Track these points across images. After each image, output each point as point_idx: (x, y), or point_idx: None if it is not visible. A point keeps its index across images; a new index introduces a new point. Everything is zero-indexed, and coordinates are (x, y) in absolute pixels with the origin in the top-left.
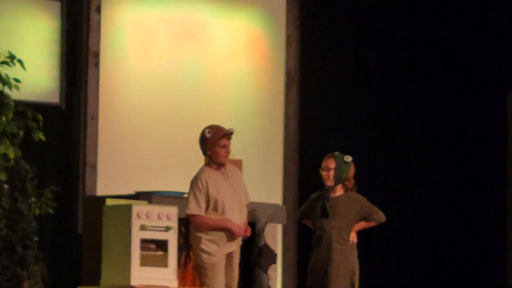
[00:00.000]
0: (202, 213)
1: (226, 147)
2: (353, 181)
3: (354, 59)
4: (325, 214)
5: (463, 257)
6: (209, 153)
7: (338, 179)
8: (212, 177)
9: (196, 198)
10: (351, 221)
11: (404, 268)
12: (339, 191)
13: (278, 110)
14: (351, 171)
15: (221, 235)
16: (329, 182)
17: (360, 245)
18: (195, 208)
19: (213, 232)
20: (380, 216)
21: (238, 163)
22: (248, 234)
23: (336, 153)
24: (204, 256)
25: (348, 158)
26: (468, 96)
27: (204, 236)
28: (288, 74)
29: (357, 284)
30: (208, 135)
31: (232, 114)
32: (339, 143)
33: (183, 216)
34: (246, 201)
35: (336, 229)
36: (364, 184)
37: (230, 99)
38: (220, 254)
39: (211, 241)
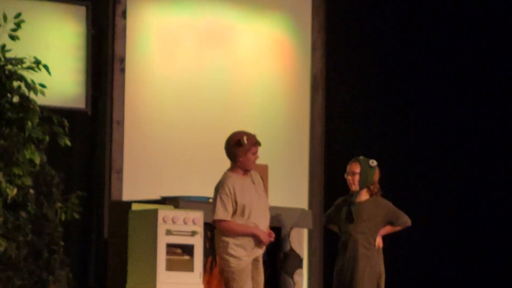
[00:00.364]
0: (229, 218)
1: (256, 154)
2: (378, 186)
3: (380, 62)
4: (351, 219)
5: (489, 261)
6: (241, 159)
7: (363, 184)
8: (238, 182)
9: (223, 203)
10: (377, 226)
11: (429, 272)
12: (364, 195)
13: (304, 114)
14: (376, 175)
15: (249, 239)
16: (354, 187)
17: (386, 249)
18: (223, 213)
19: (240, 237)
20: (406, 220)
21: (264, 168)
22: (272, 239)
23: (361, 157)
24: (232, 260)
25: (373, 163)
26: (496, 97)
27: (231, 240)
28: (313, 78)
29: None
30: (245, 142)
31: (258, 119)
32: (365, 147)
33: (209, 221)
34: (268, 205)
35: (362, 234)
36: (390, 188)
37: (255, 104)
38: (248, 258)
39: (238, 245)
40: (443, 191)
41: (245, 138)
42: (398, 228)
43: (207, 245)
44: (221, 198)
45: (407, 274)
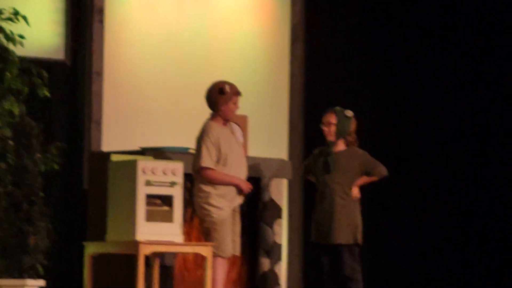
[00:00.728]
0: (214, 166)
1: (237, 104)
2: (355, 136)
3: (360, 13)
4: (327, 169)
5: (470, 219)
6: (222, 108)
7: (340, 134)
8: (222, 132)
9: (208, 151)
10: (353, 176)
11: (407, 223)
12: (341, 146)
13: (284, 66)
14: (353, 126)
15: (230, 189)
16: (331, 137)
17: (363, 199)
18: (209, 161)
19: (221, 186)
20: (382, 170)
21: (243, 119)
22: (250, 190)
23: (337, 108)
24: (213, 210)
25: (349, 113)
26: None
27: (213, 190)
28: (293, 30)
29: (360, 238)
30: (227, 90)
31: (238, 71)
32: (345, 98)
33: (189, 172)
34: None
35: (338, 184)
36: (369, 139)
37: (235, 56)
38: (229, 209)
39: (220, 195)
40: (422, 142)
41: (227, 86)
42: (374, 178)
43: (187, 196)
44: (206, 146)
45: (384, 225)
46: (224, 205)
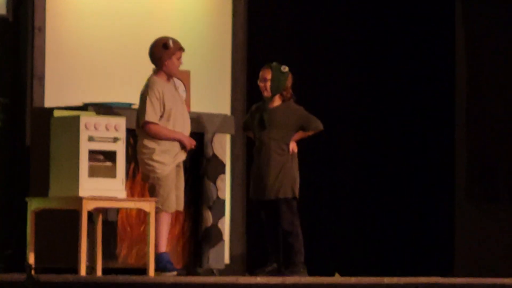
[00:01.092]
0: (157, 121)
1: (180, 59)
2: (291, 91)
3: None
4: (262, 125)
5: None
6: (166, 62)
7: (275, 90)
8: (166, 87)
9: (153, 106)
10: (289, 132)
11: (347, 177)
12: (277, 101)
13: (226, 22)
14: (289, 81)
15: (173, 144)
16: (266, 93)
17: (301, 154)
18: (153, 116)
19: (165, 142)
20: (317, 125)
21: (186, 74)
22: (194, 146)
23: (273, 63)
24: (157, 166)
25: (285, 68)
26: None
27: (157, 146)
28: None
29: (297, 192)
30: (171, 45)
31: (180, 26)
32: (287, 53)
33: (131, 127)
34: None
35: (274, 140)
36: (308, 95)
37: (177, 11)
38: (173, 164)
39: (163, 151)
40: (359, 98)
41: (170, 41)
42: (310, 133)
43: (130, 152)
44: (150, 101)
45: (321, 179)
46: (168, 161)
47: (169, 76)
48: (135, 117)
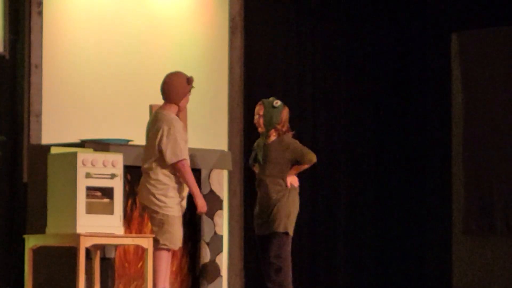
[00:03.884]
0: (188, 157)
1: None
2: (287, 125)
3: (298, 5)
4: (257, 161)
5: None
6: (180, 99)
7: (268, 125)
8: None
9: (183, 142)
10: (283, 167)
11: (343, 212)
12: (272, 136)
13: (223, 56)
14: (283, 115)
15: (181, 183)
16: (261, 129)
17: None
18: (185, 153)
19: (176, 180)
20: (311, 158)
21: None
22: (204, 211)
23: (266, 99)
24: (169, 203)
25: (277, 103)
26: (411, 38)
27: (171, 183)
28: (232, 19)
29: (290, 228)
30: (188, 85)
31: (177, 61)
32: (284, 88)
33: (128, 163)
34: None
35: (270, 177)
36: (305, 129)
37: (174, 47)
38: (183, 202)
39: (175, 189)
40: (356, 132)
41: (191, 78)
42: (305, 166)
43: (127, 188)
44: (181, 137)
45: (317, 214)
46: (177, 200)
47: (179, 111)
48: (134, 153)
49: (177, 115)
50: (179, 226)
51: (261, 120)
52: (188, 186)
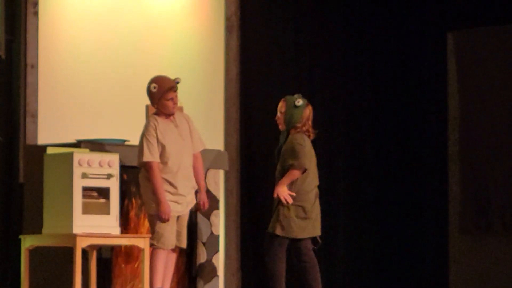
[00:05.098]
0: (156, 160)
1: (173, 99)
2: (309, 124)
3: (294, 4)
4: (276, 160)
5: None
6: (155, 106)
7: (288, 123)
8: (161, 124)
9: (148, 145)
10: (286, 169)
11: (340, 211)
12: (291, 136)
13: (219, 56)
14: (305, 114)
15: (175, 185)
16: (281, 126)
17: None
18: (149, 155)
19: (168, 179)
20: (293, 163)
21: (179, 110)
22: (165, 220)
23: (289, 96)
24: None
25: (299, 102)
26: (407, 38)
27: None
28: (228, 19)
29: (278, 230)
30: (154, 90)
31: (173, 61)
32: (281, 88)
33: (125, 163)
34: (197, 148)
35: (277, 178)
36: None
37: (170, 47)
38: (173, 204)
39: (166, 190)
40: (353, 130)
41: (152, 86)
42: (292, 173)
43: (123, 188)
44: (147, 139)
45: None
46: (172, 198)
47: (166, 115)
48: (130, 153)
49: (169, 117)
50: (170, 226)
51: (282, 118)
52: (153, 188)
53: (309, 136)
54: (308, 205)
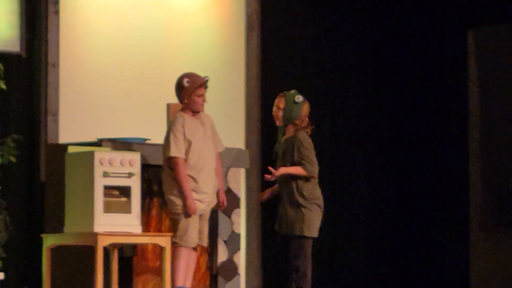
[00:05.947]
0: (182, 156)
1: (203, 96)
2: (306, 121)
3: (314, 2)
4: (275, 157)
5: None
6: (186, 101)
7: (286, 120)
8: (188, 121)
9: (175, 141)
10: (293, 165)
11: (361, 208)
12: (291, 132)
13: (239, 54)
14: (303, 111)
15: (199, 184)
16: (278, 122)
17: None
18: (176, 151)
19: (191, 180)
20: (308, 170)
21: None
22: (191, 214)
23: (291, 92)
24: (179, 201)
25: (299, 98)
26: (428, 36)
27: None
28: (249, 17)
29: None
30: (186, 85)
31: (194, 59)
32: (302, 85)
33: (146, 162)
34: (219, 148)
35: (282, 176)
36: (325, 126)
37: (191, 45)
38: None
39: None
40: (374, 128)
41: (185, 81)
42: (300, 172)
43: (144, 187)
44: (174, 135)
45: (336, 217)
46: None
47: (193, 112)
48: (151, 152)
49: (196, 115)
50: (193, 224)
51: (280, 114)
52: (178, 184)
53: (307, 133)
54: (322, 204)
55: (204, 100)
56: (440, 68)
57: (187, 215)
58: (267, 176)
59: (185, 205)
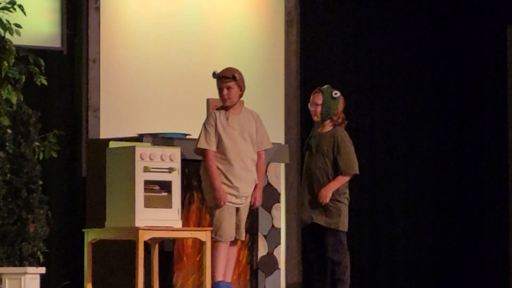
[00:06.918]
0: (212, 148)
1: (222, 89)
2: (342, 116)
3: None
4: (310, 151)
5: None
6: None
7: (325, 115)
8: (222, 116)
9: (205, 134)
10: (330, 161)
11: (400, 199)
12: (328, 126)
13: (279, 50)
14: (340, 106)
15: (232, 179)
16: (316, 118)
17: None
18: (204, 143)
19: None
20: (350, 169)
21: (241, 104)
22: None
23: (325, 87)
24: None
25: (336, 94)
26: (467, 32)
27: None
28: (288, 13)
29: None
30: (214, 76)
31: (233, 55)
32: (341, 81)
33: (186, 157)
34: (261, 146)
35: (318, 169)
36: (361, 120)
37: (231, 41)
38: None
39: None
40: (413, 124)
41: (214, 72)
42: (345, 178)
43: (185, 182)
44: (205, 128)
45: (374, 211)
46: (229, 189)
47: (225, 107)
48: (192, 147)
49: (233, 111)
50: (228, 218)
51: (319, 109)
52: (208, 176)
53: (343, 128)
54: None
55: (223, 95)
56: (479, 64)
57: (218, 206)
58: (322, 200)
59: (214, 196)
